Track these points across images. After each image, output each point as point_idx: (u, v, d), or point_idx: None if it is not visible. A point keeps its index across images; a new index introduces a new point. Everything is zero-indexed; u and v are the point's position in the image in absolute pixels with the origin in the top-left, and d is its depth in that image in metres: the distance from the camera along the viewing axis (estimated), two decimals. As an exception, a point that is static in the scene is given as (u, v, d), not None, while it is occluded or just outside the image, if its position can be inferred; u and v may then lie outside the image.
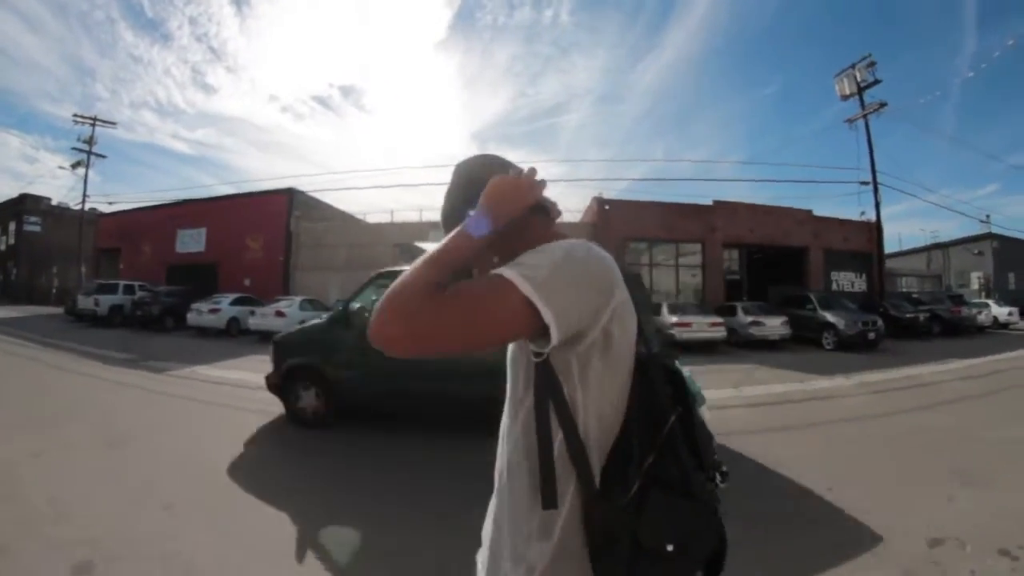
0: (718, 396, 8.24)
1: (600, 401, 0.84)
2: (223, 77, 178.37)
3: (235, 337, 17.88)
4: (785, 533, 3.40)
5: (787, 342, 15.88)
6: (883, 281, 23.00)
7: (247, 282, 23.40)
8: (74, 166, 30.90)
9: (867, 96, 22.87)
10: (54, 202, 38.69)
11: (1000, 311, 22.73)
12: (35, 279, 35.36)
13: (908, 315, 18.46)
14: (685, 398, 0.90)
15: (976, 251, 38.13)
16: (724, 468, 0.91)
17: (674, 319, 14.91)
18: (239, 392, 8.31)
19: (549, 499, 0.82)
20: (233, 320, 18.61)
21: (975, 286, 35.88)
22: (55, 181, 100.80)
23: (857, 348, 14.88)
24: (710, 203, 22.20)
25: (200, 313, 18.53)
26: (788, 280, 23.08)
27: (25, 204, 37.84)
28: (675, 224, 21.66)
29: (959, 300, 21.94)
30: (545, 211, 1.03)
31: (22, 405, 6.97)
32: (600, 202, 21.54)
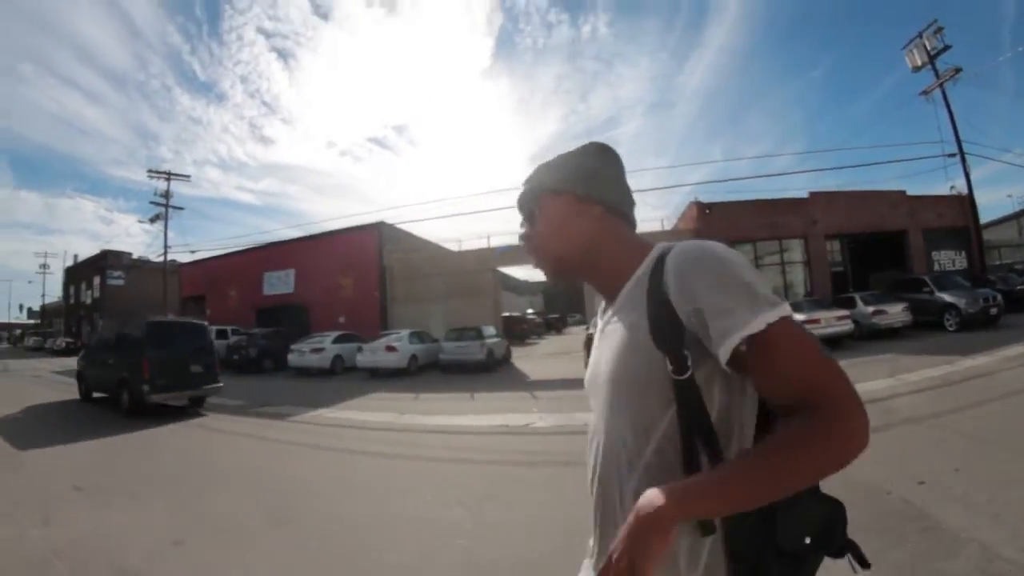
0: (880, 386, 9.04)
1: (740, 411, 0.87)
2: (279, 129, 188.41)
3: (340, 375, 18.56)
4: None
5: (908, 328, 16.32)
6: (983, 256, 23.25)
7: (342, 319, 24.45)
8: (152, 220, 33.08)
9: (939, 64, 22.92)
10: (134, 256, 41.70)
11: (1110, 275, 22.62)
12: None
13: (1019, 287, 18.75)
14: None
15: None
16: None
17: (802, 317, 15.27)
18: (384, 436, 8.33)
19: (708, 524, 0.81)
20: (337, 358, 19.02)
21: (1073, 249, 35.22)
22: (129, 239, 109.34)
23: (980, 326, 15.29)
24: (806, 195, 23.03)
25: (302, 354, 18.98)
26: (888, 266, 23.63)
27: (107, 260, 41.09)
28: (775, 221, 22.48)
29: (1069, 263, 22.09)
30: (627, 217, 1.07)
31: (138, 468, 6.60)
32: (700, 206, 22.46)
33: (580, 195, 1.03)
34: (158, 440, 8.39)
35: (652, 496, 0.76)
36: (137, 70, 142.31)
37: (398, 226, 27.56)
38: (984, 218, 23.68)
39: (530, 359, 21.41)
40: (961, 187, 23.47)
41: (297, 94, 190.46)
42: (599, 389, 0.98)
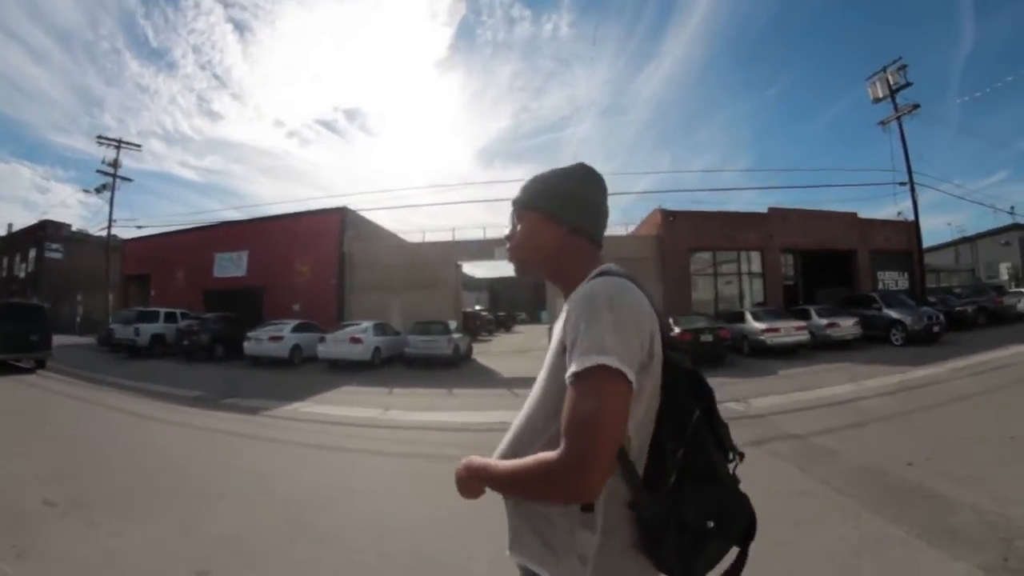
0: (844, 391, 9.88)
1: (637, 409, 1.03)
2: (229, 104, 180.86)
3: (298, 366, 17.76)
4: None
5: (858, 341, 17.36)
6: (924, 278, 24.86)
7: (296, 307, 23.51)
8: (99, 190, 31.34)
9: (899, 98, 24.39)
10: (75, 228, 39.47)
11: (1036, 299, 24.64)
12: (57, 308, 35.06)
13: (957, 308, 20.20)
14: (704, 395, 1.12)
15: (1003, 242, 40.63)
16: (741, 451, 1.15)
17: (763, 325, 16.47)
18: (377, 433, 8.15)
19: (587, 504, 1.01)
20: (296, 348, 18.27)
21: (1004, 276, 38.30)
22: (67, 211, 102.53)
23: (923, 342, 16.38)
24: (765, 211, 24.13)
25: (259, 341, 18.15)
26: (836, 282, 24.97)
27: (46, 231, 38.43)
28: (735, 233, 23.46)
29: (1001, 291, 24.00)
30: (591, 236, 1.25)
31: (114, 477, 5.48)
32: (665, 213, 23.18)
33: (552, 214, 1.23)
34: (120, 440, 7.42)
35: (467, 460, 1.21)
36: (86, 28, 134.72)
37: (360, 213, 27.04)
38: (925, 243, 25.33)
39: (489, 355, 21.51)
40: (907, 213, 25.25)
41: (250, 69, 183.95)
42: (538, 378, 1.20)
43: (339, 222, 25.12)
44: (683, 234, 23.00)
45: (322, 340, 17.46)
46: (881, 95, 25.02)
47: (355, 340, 16.94)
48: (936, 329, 16.87)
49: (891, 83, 24.53)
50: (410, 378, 14.82)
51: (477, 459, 1.18)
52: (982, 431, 6.39)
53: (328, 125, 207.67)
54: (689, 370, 1.10)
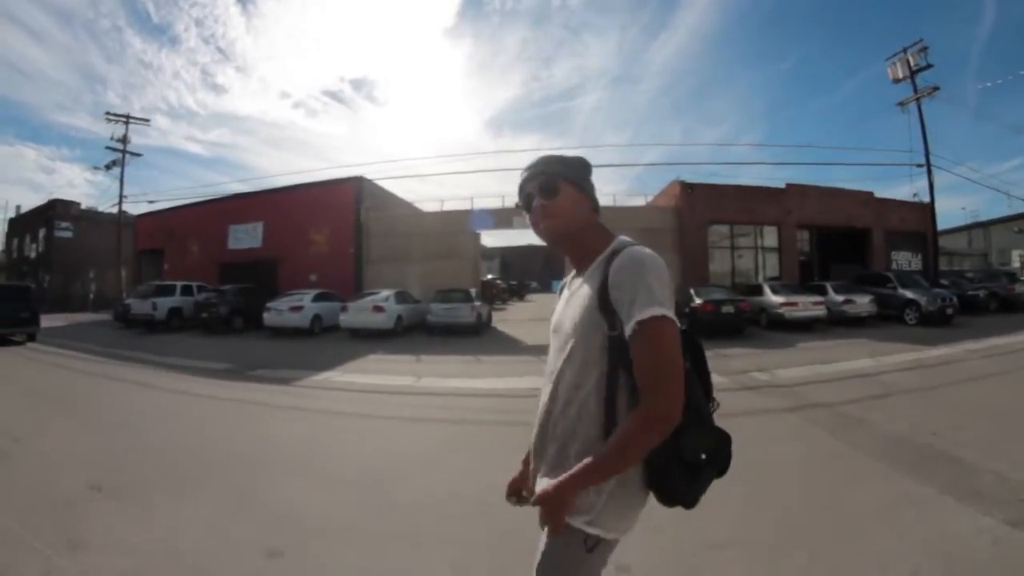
0: (864, 365, 10.22)
1: None
2: (233, 77, 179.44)
3: (318, 336, 17.92)
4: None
5: (872, 319, 17.80)
6: (937, 260, 25.26)
7: (313, 277, 23.57)
8: (108, 167, 31.49)
9: (919, 80, 24.58)
10: (83, 206, 39.32)
11: (1047, 289, 24.96)
12: (69, 286, 35.98)
13: (970, 292, 20.58)
14: (696, 352, 1.38)
15: (1017, 229, 40.88)
16: (717, 400, 1.41)
17: (781, 299, 16.87)
18: (417, 400, 8.34)
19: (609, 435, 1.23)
20: (316, 318, 18.39)
21: (1016, 263, 38.61)
22: (74, 190, 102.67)
23: (936, 323, 16.78)
24: (783, 186, 24.36)
25: (280, 312, 18.19)
26: (849, 260, 25.38)
27: (55, 210, 38.45)
28: (753, 207, 23.72)
29: (1013, 278, 24.26)
30: (598, 211, 1.46)
31: (158, 456, 5.29)
32: (684, 186, 23.41)
33: (584, 189, 1.42)
34: (155, 416, 7.18)
35: (545, 489, 1.26)
36: (87, 7, 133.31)
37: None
38: (939, 226, 25.56)
39: (507, 323, 21.83)
40: (922, 194, 25.47)
41: (254, 41, 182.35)
42: (562, 335, 1.38)
43: (355, 191, 25.08)
44: (701, 206, 23.25)
45: (344, 309, 17.69)
46: (901, 76, 25.08)
47: (378, 309, 17.12)
48: (950, 311, 17.22)
49: (911, 64, 24.61)
50: (434, 346, 15.03)
51: (555, 481, 1.25)
52: (999, 407, 6.75)
53: (335, 95, 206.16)
54: (683, 331, 1.28)
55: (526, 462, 1.60)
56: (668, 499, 1.29)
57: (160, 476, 4.68)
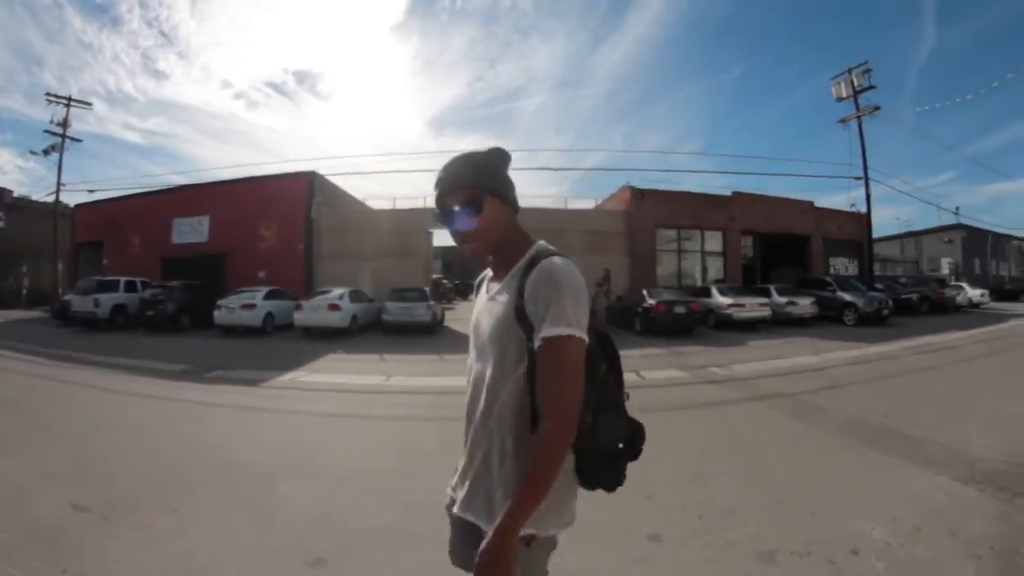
0: (812, 361, 11.03)
1: None
2: (175, 63, 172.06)
3: (271, 334, 17.61)
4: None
5: (813, 319, 18.89)
6: (872, 266, 27.06)
7: (262, 274, 23.01)
8: (46, 151, 29.96)
9: (861, 100, 26.33)
10: (15, 194, 36.50)
11: (974, 293, 26.88)
12: (1, 280, 33.62)
13: (903, 295, 22.15)
14: (610, 351, 1.42)
15: (947, 239, 44.14)
16: (628, 394, 1.45)
17: (729, 300, 17.73)
18: (397, 399, 8.30)
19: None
20: (269, 316, 17.98)
21: (945, 271, 41.40)
22: (3, 176, 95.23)
23: (873, 323, 18.08)
24: (729, 194, 25.60)
25: (231, 310, 17.75)
26: (790, 264, 26.89)
27: None
28: (700, 212, 24.75)
29: (942, 283, 26.15)
30: (516, 211, 1.45)
31: (149, 463, 4.97)
32: (634, 191, 24.18)
33: (506, 200, 1.39)
34: (123, 425, 6.64)
35: (487, 543, 1.16)
36: None
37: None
38: (874, 235, 27.38)
39: (459, 322, 21.65)
40: (859, 204, 27.36)
41: (198, 27, 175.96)
42: (482, 339, 1.40)
43: (307, 186, 24.62)
44: (650, 211, 24.10)
45: (298, 308, 17.33)
46: (845, 95, 26.78)
47: (333, 307, 16.94)
48: (885, 312, 18.64)
49: (855, 84, 26.26)
50: (393, 345, 14.97)
51: (494, 529, 1.18)
52: (935, 395, 7.54)
53: (277, 88, 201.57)
54: (600, 332, 1.38)
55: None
56: (590, 485, 1.35)
57: (152, 489, 4.27)
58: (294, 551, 3.16)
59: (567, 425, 1.17)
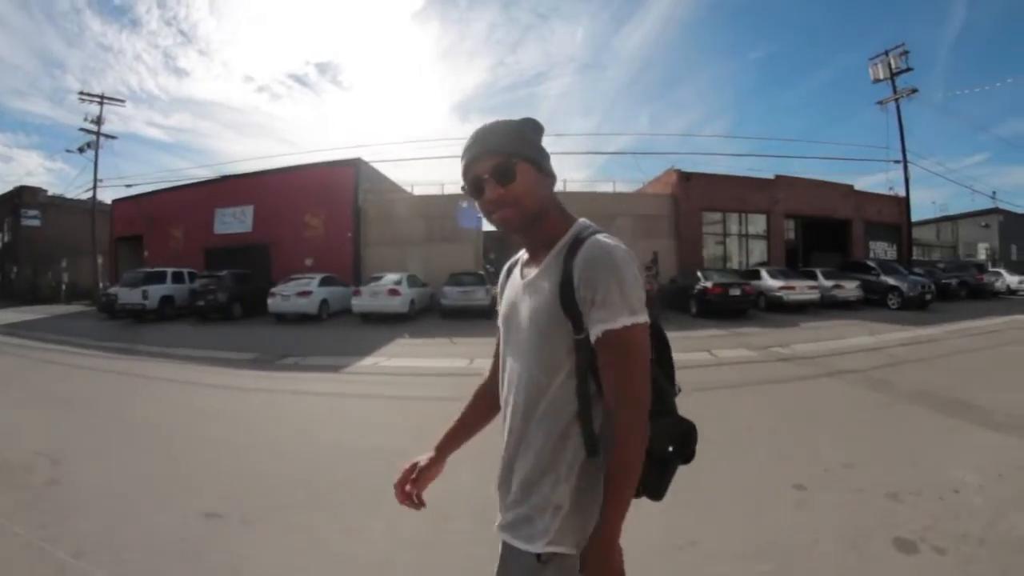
0: (868, 341, 12.00)
1: None
2: (195, 60, 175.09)
3: (325, 321, 18.23)
4: None
5: (857, 303, 19.85)
6: (911, 250, 27.92)
7: (308, 262, 23.70)
8: (81, 149, 31.22)
9: (898, 82, 27.09)
10: (50, 193, 38.11)
11: (1012, 279, 27.63)
12: (39, 277, 35.03)
13: (943, 280, 22.83)
14: (660, 340, 1.30)
15: (983, 224, 44.70)
16: (679, 387, 1.37)
17: (780, 283, 18.81)
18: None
19: (593, 447, 1.18)
20: (324, 303, 18.55)
21: (982, 256, 42.09)
22: (31, 179, 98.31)
23: (916, 307, 18.96)
24: (772, 177, 26.48)
25: (286, 298, 18.15)
26: (830, 248, 27.89)
27: (22, 198, 37.21)
28: (744, 195, 25.75)
29: (981, 269, 26.92)
30: (554, 181, 1.33)
31: (273, 457, 4.92)
32: (680, 174, 25.25)
33: (541, 167, 1.27)
34: (223, 418, 6.59)
35: (594, 549, 1.12)
36: None
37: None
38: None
39: None
40: (894, 185, 28.50)
41: (217, 24, 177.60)
42: (518, 331, 1.29)
43: (353, 174, 25.26)
44: (696, 194, 25.11)
45: (357, 293, 17.98)
46: (882, 76, 27.49)
47: (393, 292, 17.54)
48: (928, 297, 19.48)
49: (892, 66, 26.98)
50: (455, 328, 15.53)
51: (598, 540, 1.13)
52: (988, 372, 8.51)
53: (299, 79, 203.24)
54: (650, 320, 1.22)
55: (440, 450, 1.59)
56: (636, 493, 1.22)
57: (286, 488, 4.17)
58: (471, 542, 2.94)
59: (643, 418, 1.12)
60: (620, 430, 1.11)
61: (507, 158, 1.23)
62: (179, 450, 5.30)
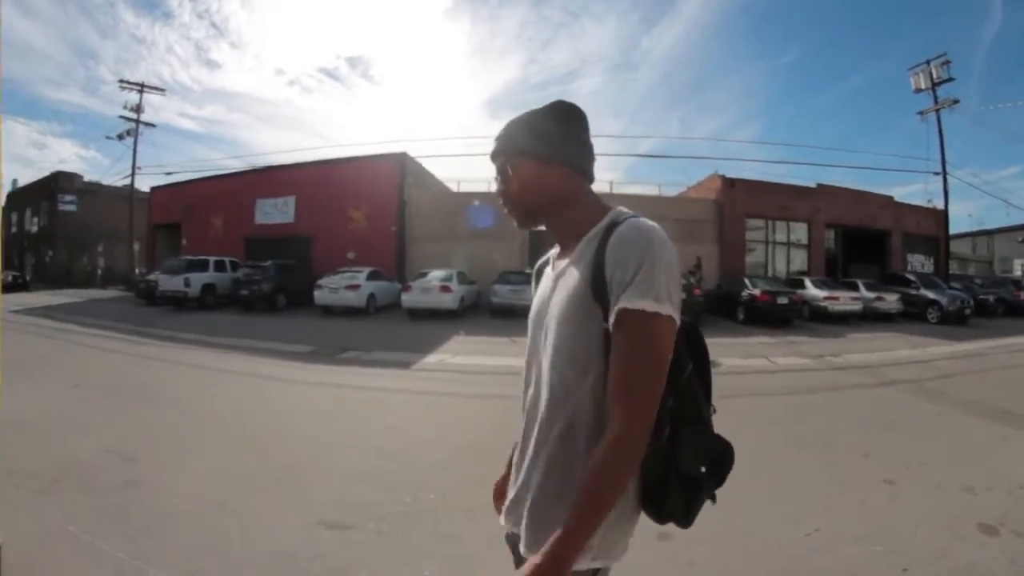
0: (913, 354, 12.85)
1: None
2: (227, 53, 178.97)
3: (372, 315, 18.72)
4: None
5: (897, 316, 20.58)
6: (948, 265, 28.64)
7: (351, 255, 24.29)
8: (121, 136, 32.43)
9: (940, 92, 27.69)
10: (86, 179, 39.60)
11: (1051, 297, 28.12)
12: (73, 261, 36.40)
13: (981, 296, 23.44)
14: (699, 348, 1.23)
15: (1020, 239, 45.02)
16: (714, 408, 1.27)
17: (824, 292, 19.64)
18: None
19: None
20: (371, 297, 19.07)
21: (1017, 272, 42.48)
22: (64, 166, 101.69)
23: (955, 322, 19.73)
24: (814, 186, 27.36)
25: (335, 290, 18.69)
26: (868, 259, 28.58)
27: (58, 183, 38.71)
28: (786, 203, 26.63)
29: (1018, 285, 27.48)
30: (587, 174, 1.27)
31: (375, 465, 4.73)
32: (725, 180, 26.16)
33: (546, 157, 1.22)
34: (312, 413, 6.65)
35: (533, 562, 0.99)
36: None
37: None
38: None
39: None
40: (936, 200, 29.01)
41: (248, 17, 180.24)
42: (548, 326, 1.21)
43: (398, 168, 25.85)
44: (741, 200, 26.04)
45: (407, 289, 18.44)
46: (923, 86, 28.11)
47: (445, 289, 17.99)
48: (967, 312, 20.25)
49: (934, 76, 27.60)
50: (508, 327, 15.49)
51: (542, 554, 0.99)
52: None
53: (330, 73, 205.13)
54: (688, 324, 1.18)
55: (509, 465, 1.46)
56: (660, 516, 1.17)
57: (405, 490, 4.15)
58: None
59: (642, 423, 1.01)
60: (611, 430, 1.02)
61: (504, 156, 1.27)
62: (273, 450, 5.15)
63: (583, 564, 1.08)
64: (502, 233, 24.02)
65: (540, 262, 1.44)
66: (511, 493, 1.29)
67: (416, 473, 4.54)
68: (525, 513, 1.21)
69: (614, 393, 1.04)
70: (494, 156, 1.30)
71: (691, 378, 1.19)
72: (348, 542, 3.34)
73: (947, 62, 27.26)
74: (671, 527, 1.22)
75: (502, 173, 1.29)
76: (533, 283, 1.44)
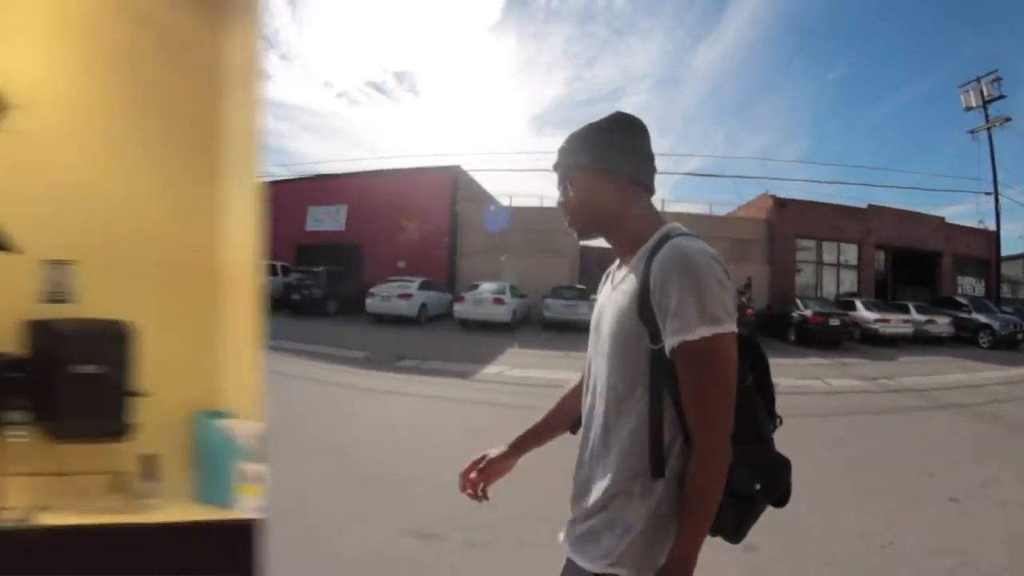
0: (964, 378, 13.17)
1: None
2: (276, 65, 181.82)
3: (423, 325, 18.84)
4: None
5: (947, 339, 20.54)
6: (999, 287, 28.56)
7: (401, 264, 24.25)
8: None
9: (991, 110, 27.62)
10: None
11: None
12: None
13: None
14: (759, 362, 1.22)
15: None
16: (781, 417, 1.27)
17: (875, 315, 19.83)
18: None
19: (658, 469, 1.10)
20: (423, 307, 19.19)
21: (1068, 296, 41.73)
22: None
23: (1007, 346, 19.74)
24: (864, 206, 27.53)
25: (387, 298, 18.81)
26: (917, 281, 28.55)
27: None
28: (836, 224, 26.76)
29: (1073, 309, 27.44)
30: (648, 187, 1.28)
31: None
32: (776, 200, 26.47)
33: (606, 171, 1.23)
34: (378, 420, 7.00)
35: (672, 561, 1.06)
36: None
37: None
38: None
39: None
40: (987, 220, 28.90)
41: (299, 31, 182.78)
42: (601, 338, 1.26)
43: (451, 181, 26.54)
44: (791, 221, 26.27)
45: (460, 300, 18.89)
46: (974, 104, 28.05)
47: (498, 301, 18.36)
48: (1020, 337, 20.28)
49: (984, 94, 27.49)
50: (562, 341, 15.66)
51: (676, 549, 1.07)
52: None
53: (377, 87, 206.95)
54: (746, 337, 1.18)
55: (515, 447, 1.61)
56: (711, 532, 1.15)
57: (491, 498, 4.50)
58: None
59: (722, 440, 1.06)
60: (697, 452, 1.06)
61: (564, 168, 1.29)
62: (347, 456, 5.20)
63: (600, 567, 1.15)
64: (552, 248, 24.40)
65: (608, 271, 1.42)
66: (574, 498, 1.30)
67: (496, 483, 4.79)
68: (579, 508, 1.26)
69: (693, 418, 1.08)
70: (555, 168, 1.33)
71: (751, 391, 1.19)
72: (439, 552, 3.51)
73: (998, 79, 27.16)
74: (751, 538, 1.27)
75: (562, 185, 1.31)
76: (599, 290, 1.43)
